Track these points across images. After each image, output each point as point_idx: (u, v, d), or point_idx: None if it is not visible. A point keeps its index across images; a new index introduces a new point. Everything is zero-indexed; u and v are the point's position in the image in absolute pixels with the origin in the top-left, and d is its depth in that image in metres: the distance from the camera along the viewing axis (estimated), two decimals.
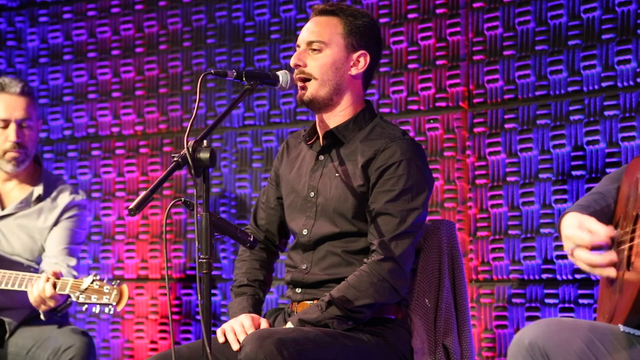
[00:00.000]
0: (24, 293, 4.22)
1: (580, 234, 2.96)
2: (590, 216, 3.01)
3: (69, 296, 4.05)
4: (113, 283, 3.96)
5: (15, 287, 4.21)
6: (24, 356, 4.40)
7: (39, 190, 4.62)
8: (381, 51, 3.66)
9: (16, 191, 4.65)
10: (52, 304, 4.11)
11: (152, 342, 5.45)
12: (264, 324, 3.49)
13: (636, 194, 2.99)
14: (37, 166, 4.69)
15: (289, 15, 5.14)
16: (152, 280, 5.47)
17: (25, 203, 4.62)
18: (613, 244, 2.96)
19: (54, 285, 4.05)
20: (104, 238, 5.58)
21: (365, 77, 3.59)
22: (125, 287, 3.97)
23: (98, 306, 3.96)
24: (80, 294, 3.98)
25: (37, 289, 4.09)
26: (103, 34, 5.67)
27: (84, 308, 3.99)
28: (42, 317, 4.26)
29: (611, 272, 2.91)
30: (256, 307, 3.60)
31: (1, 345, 4.44)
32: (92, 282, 3.97)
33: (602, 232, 2.93)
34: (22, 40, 5.84)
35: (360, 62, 3.55)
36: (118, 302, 3.95)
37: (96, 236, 5.60)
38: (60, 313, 4.28)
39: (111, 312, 3.96)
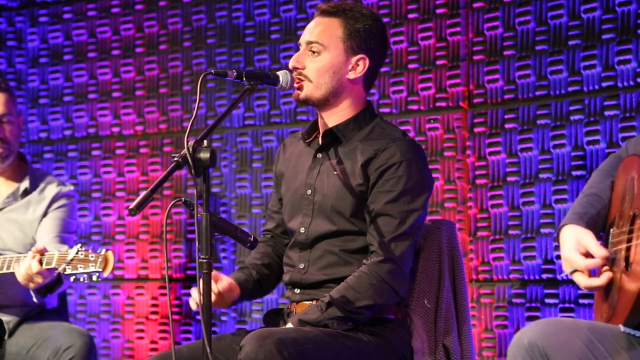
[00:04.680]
0: (20, 289, 4.23)
1: (577, 258, 3.04)
2: (588, 227, 3.06)
3: (56, 270, 4.06)
4: (98, 251, 3.97)
5: (4, 270, 4.21)
6: (24, 355, 4.39)
7: (25, 184, 4.62)
8: (385, 53, 3.61)
9: (3, 187, 4.64)
10: (39, 280, 4.10)
11: (152, 342, 5.45)
12: (224, 281, 3.46)
13: (632, 193, 2.99)
14: (22, 163, 4.69)
15: (289, 15, 5.14)
16: (152, 280, 5.47)
17: (13, 197, 4.62)
18: (608, 262, 3.04)
19: (40, 262, 4.06)
20: (104, 238, 5.58)
21: (366, 80, 3.56)
22: (110, 254, 3.97)
23: (85, 275, 3.96)
24: (67, 266, 3.98)
25: (24, 267, 4.09)
26: (103, 34, 5.67)
27: (71, 279, 3.99)
28: (34, 299, 4.26)
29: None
30: (238, 276, 3.57)
31: (0, 345, 4.44)
32: (77, 253, 3.98)
33: (597, 254, 3.00)
34: (22, 40, 5.83)
35: (359, 66, 3.52)
36: (104, 269, 3.96)
37: (96, 236, 5.60)
38: (52, 292, 4.28)
39: (98, 279, 3.96)
